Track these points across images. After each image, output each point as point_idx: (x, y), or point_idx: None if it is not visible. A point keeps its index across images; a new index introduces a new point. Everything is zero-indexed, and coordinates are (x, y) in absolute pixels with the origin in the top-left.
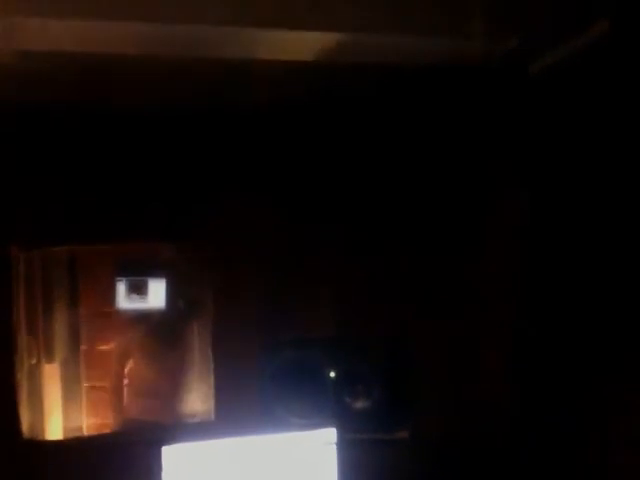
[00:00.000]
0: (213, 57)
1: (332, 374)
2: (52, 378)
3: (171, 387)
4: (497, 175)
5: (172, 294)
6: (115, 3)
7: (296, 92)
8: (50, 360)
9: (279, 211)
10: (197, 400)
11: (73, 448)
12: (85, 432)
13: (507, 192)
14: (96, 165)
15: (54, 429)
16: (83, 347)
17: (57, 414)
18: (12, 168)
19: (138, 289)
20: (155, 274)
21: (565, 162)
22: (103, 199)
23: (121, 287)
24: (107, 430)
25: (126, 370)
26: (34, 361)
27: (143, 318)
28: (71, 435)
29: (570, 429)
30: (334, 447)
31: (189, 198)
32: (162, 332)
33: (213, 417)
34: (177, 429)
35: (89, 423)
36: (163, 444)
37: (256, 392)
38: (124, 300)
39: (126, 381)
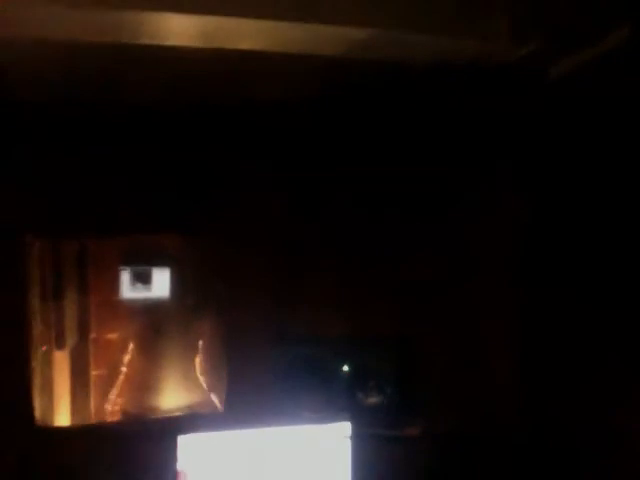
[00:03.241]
0: (229, 49)
1: (345, 368)
2: (62, 365)
3: (179, 378)
4: (503, 175)
5: (181, 285)
6: None
7: (315, 86)
8: (60, 347)
9: (291, 206)
10: (208, 392)
11: (89, 435)
12: (92, 420)
13: (513, 192)
14: (108, 156)
15: (63, 416)
16: (92, 335)
17: (66, 401)
18: (29, 160)
19: (142, 278)
20: (159, 263)
21: (572, 166)
22: (115, 191)
23: (125, 276)
24: (113, 418)
25: (127, 360)
26: (45, 348)
27: (151, 307)
28: (79, 422)
29: (577, 426)
30: (348, 440)
31: (200, 191)
32: (170, 322)
33: (224, 410)
34: (193, 419)
35: (96, 411)
36: (179, 433)
37: (268, 386)
38: (128, 289)
39: (130, 370)
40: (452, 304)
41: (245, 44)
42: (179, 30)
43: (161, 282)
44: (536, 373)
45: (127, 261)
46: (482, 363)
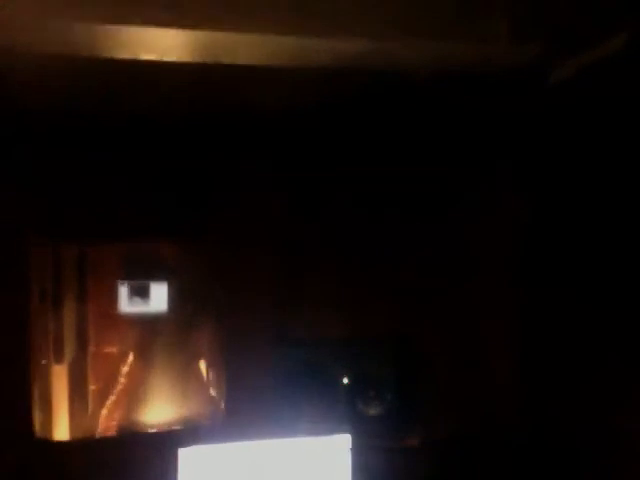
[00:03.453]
0: (226, 63)
1: (345, 380)
2: (60, 379)
3: (178, 391)
4: (503, 175)
5: (179, 297)
6: (133, 9)
7: (315, 92)
8: (59, 361)
9: (291, 206)
10: (208, 404)
11: (90, 449)
12: (91, 433)
13: (513, 192)
14: (108, 159)
15: (62, 429)
16: (91, 348)
17: (64, 414)
18: (30, 165)
19: (140, 293)
20: (157, 277)
21: (572, 167)
22: (115, 193)
23: (123, 290)
24: (112, 432)
25: (126, 373)
26: (44, 362)
27: (149, 320)
28: (78, 436)
29: (577, 426)
30: (348, 453)
31: (200, 192)
32: (169, 335)
33: (224, 420)
34: (194, 432)
35: (95, 424)
36: (180, 446)
37: (268, 393)
38: (127, 303)
39: (131, 384)
40: (452, 304)
41: (243, 58)
42: (177, 45)
43: (159, 296)
44: (536, 373)
45: (125, 274)
46: (482, 363)
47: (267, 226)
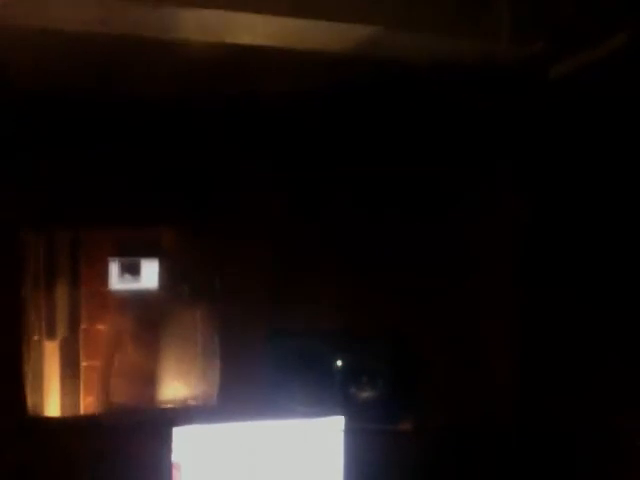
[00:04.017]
0: (230, 43)
1: (339, 363)
2: (52, 356)
3: (172, 369)
4: (503, 175)
5: (171, 276)
6: None
7: (315, 85)
8: (51, 337)
9: (291, 206)
10: (201, 384)
11: (83, 427)
12: (82, 411)
13: (513, 192)
14: (107, 152)
15: (53, 407)
16: (83, 326)
17: (56, 392)
18: (26, 151)
19: (131, 270)
20: (148, 254)
21: (573, 166)
22: (114, 187)
23: (114, 267)
24: (104, 410)
25: (118, 351)
26: (36, 338)
27: (142, 299)
28: (69, 413)
29: (576, 426)
30: (341, 435)
31: (200, 191)
32: (162, 314)
33: (218, 402)
34: (188, 411)
35: (87, 402)
36: (173, 425)
37: (262, 378)
38: (117, 280)
39: (121, 362)
40: (452, 304)
41: (246, 39)
42: (177, 24)
43: (150, 273)
44: (536, 373)
45: (117, 252)
46: (482, 363)
47: (267, 226)
